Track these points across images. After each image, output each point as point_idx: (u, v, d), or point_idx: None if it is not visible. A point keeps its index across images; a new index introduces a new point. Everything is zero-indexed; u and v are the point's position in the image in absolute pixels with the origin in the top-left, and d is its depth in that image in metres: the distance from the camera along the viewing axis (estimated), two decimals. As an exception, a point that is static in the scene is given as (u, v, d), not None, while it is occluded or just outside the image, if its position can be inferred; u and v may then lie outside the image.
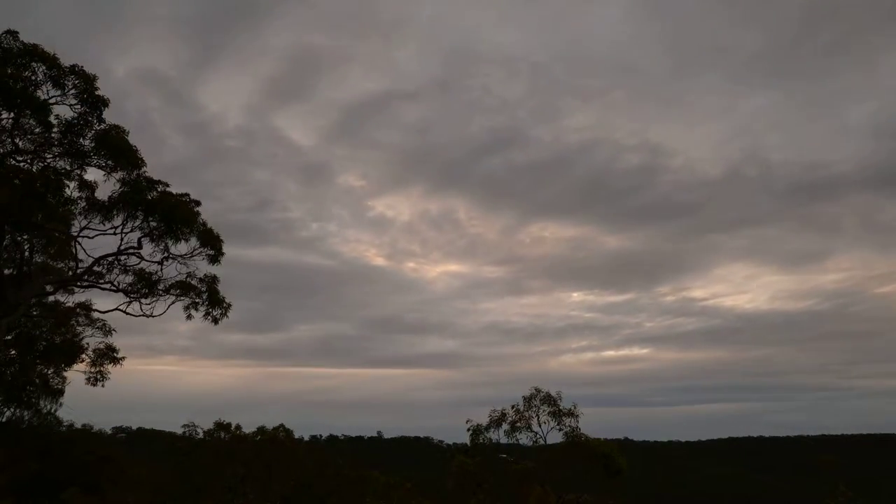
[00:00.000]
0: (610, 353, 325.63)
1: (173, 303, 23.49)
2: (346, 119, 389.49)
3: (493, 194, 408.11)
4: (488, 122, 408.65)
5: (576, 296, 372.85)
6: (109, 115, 20.24)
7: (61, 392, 29.56)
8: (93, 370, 27.82)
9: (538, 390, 31.30)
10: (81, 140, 20.14)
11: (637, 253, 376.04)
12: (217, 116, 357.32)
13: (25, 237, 22.98)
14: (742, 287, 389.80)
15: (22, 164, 20.46)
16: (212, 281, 23.56)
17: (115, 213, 21.76)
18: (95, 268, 23.04)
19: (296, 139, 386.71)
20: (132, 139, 20.65)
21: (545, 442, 30.83)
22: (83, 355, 27.98)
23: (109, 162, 20.65)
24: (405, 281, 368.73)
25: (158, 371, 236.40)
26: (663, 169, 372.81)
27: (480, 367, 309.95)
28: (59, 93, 19.55)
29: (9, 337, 25.74)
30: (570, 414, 30.59)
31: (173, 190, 22.33)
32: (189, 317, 23.33)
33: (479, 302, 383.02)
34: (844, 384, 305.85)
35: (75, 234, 22.14)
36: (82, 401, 30.33)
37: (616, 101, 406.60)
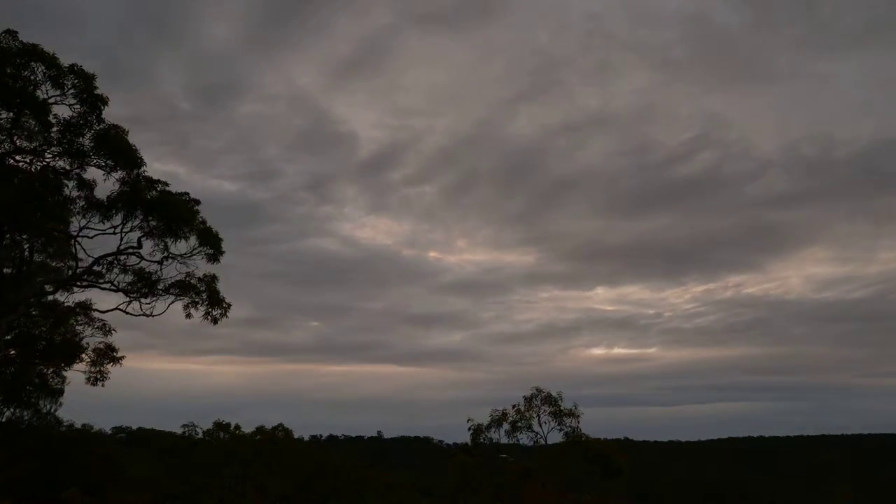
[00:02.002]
0: (621, 350, 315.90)
1: (173, 302, 23.44)
2: (361, 60, 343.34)
3: (523, 165, 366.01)
4: (526, 80, 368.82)
5: (596, 285, 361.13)
6: (112, 114, 20.25)
7: (61, 392, 29.52)
8: (93, 370, 27.75)
9: (539, 390, 31.38)
10: (81, 139, 20.13)
11: (666, 236, 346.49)
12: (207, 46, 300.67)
13: (25, 237, 22.94)
14: (773, 275, 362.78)
15: (21, 164, 20.46)
16: (211, 280, 23.51)
17: (114, 212, 21.73)
18: (95, 267, 22.97)
19: (299, 82, 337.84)
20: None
21: (545, 442, 30.86)
22: (83, 355, 27.92)
23: (109, 161, 20.64)
24: (415, 270, 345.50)
25: (157, 370, 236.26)
26: (714, 143, 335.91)
27: (487, 364, 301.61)
28: (58, 92, 19.53)
29: (8, 337, 25.66)
30: (571, 414, 30.64)
31: (172, 188, 22.33)
32: (188, 316, 23.29)
33: (491, 296, 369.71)
34: (865, 382, 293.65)
35: (75, 233, 22.09)
36: (82, 401, 30.35)
37: (675, 61, 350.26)
